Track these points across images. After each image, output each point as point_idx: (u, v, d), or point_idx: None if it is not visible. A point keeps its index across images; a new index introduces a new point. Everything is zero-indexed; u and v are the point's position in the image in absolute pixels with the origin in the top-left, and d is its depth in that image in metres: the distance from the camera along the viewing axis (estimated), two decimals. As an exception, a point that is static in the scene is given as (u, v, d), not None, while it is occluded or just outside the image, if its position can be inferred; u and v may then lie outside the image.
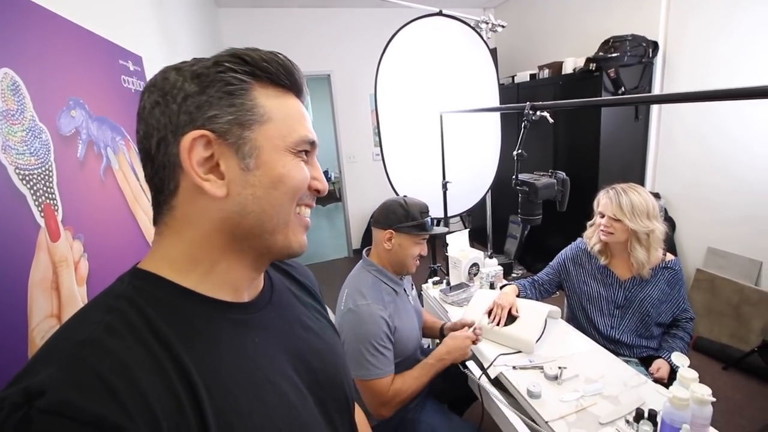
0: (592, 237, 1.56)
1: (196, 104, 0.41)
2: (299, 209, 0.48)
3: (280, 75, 0.45)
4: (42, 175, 0.70)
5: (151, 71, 1.42)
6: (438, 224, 2.89)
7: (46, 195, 0.70)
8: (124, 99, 1.12)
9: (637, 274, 1.46)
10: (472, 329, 1.34)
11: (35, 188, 0.67)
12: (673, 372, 1.35)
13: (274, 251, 0.47)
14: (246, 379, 0.43)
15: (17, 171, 0.64)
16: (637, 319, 1.47)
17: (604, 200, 1.47)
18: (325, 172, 7.93)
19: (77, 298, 0.75)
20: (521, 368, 1.28)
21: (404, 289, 1.40)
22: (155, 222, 0.45)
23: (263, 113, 0.43)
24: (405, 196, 1.37)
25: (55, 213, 0.72)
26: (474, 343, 1.32)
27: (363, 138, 4.39)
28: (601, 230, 1.47)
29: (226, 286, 0.46)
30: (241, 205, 0.43)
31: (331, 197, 7.59)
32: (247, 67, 0.43)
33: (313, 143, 0.48)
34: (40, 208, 0.68)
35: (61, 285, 0.70)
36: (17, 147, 0.64)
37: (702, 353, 2.34)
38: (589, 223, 1.60)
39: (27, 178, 0.66)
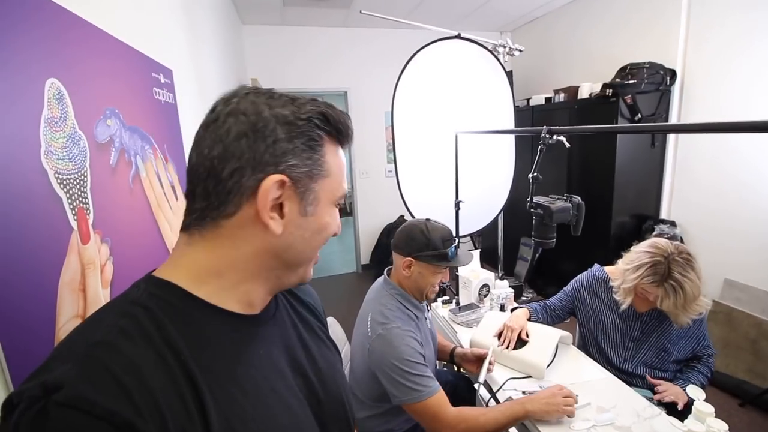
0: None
1: (282, 150, 0.44)
2: None
3: (343, 134, 0.50)
4: (78, 180, 0.73)
5: (179, 84, 1.48)
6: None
7: (80, 199, 0.73)
8: (154, 110, 1.17)
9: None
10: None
11: (71, 192, 0.71)
12: (686, 406, 1.31)
13: (293, 281, 0.52)
14: (251, 388, 0.45)
15: (56, 175, 0.67)
16: (653, 354, 1.42)
17: (657, 291, 1.26)
18: (344, 197, 8.17)
19: (101, 300, 0.77)
20: (530, 394, 1.26)
21: (425, 316, 1.36)
22: (187, 229, 0.46)
23: (327, 168, 0.48)
24: (428, 219, 1.30)
25: (87, 217, 0.75)
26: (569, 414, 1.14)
27: (376, 154, 4.44)
28: (639, 296, 1.34)
29: (242, 302, 0.48)
30: (289, 243, 0.47)
31: (341, 212, 7.63)
32: (328, 127, 0.48)
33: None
34: (74, 212, 0.71)
35: (87, 287, 0.73)
36: (58, 152, 0.68)
37: (718, 388, 2.27)
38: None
39: (64, 182, 0.69)
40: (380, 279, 1.37)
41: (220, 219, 0.45)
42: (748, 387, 2.19)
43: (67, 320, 0.67)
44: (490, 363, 1.30)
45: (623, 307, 1.38)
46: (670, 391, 1.32)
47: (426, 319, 1.37)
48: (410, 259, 1.24)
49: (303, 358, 0.55)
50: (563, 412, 1.12)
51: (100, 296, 0.77)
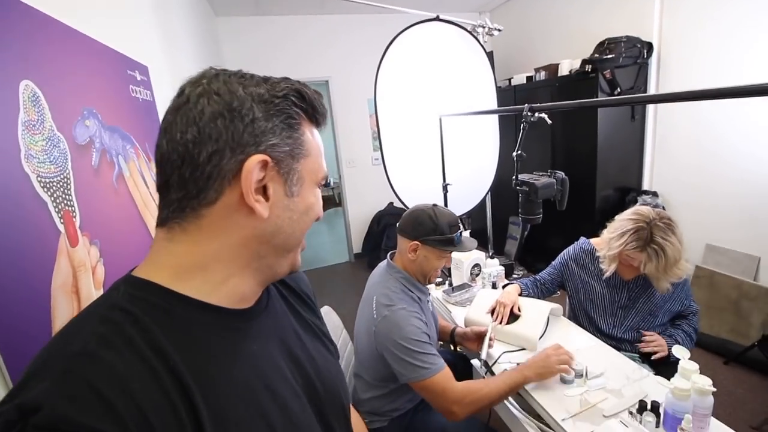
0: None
1: (261, 129, 0.42)
2: None
3: (318, 112, 0.49)
4: (61, 183, 0.72)
5: (156, 81, 1.45)
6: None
7: (65, 202, 0.73)
8: (133, 108, 1.15)
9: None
10: (486, 335, 1.33)
11: (55, 195, 0.70)
12: (663, 359, 1.38)
13: (284, 269, 0.50)
14: (244, 387, 0.43)
15: (39, 179, 0.66)
16: (640, 318, 1.48)
17: (640, 256, 1.31)
18: (325, 178, 8.08)
19: (95, 301, 0.77)
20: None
21: (427, 299, 1.39)
22: (164, 223, 0.43)
23: (307, 148, 0.47)
24: (435, 205, 1.32)
25: (74, 219, 0.75)
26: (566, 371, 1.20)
27: (362, 143, 4.42)
28: (624, 263, 1.39)
29: (231, 297, 0.45)
30: (277, 227, 0.46)
31: (330, 202, 7.62)
32: (304, 104, 0.46)
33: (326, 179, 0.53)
34: (60, 215, 0.70)
35: (80, 289, 0.73)
36: (38, 156, 0.67)
37: (703, 348, 2.37)
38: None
39: (48, 185, 0.68)
40: (383, 263, 1.39)
41: (201, 208, 0.42)
42: (731, 346, 2.29)
43: (63, 322, 0.67)
44: (490, 339, 1.34)
45: (607, 274, 1.43)
46: (656, 341, 1.39)
47: (428, 301, 1.40)
48: (417, 242, 1.25)
49: (298, 349, 0.54)
50: (558, 371, 1.18)
51: (94, 297, 0.77)
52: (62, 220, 0.71)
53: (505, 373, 1.19)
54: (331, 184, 7.77)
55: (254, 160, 0.41)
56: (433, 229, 1.24)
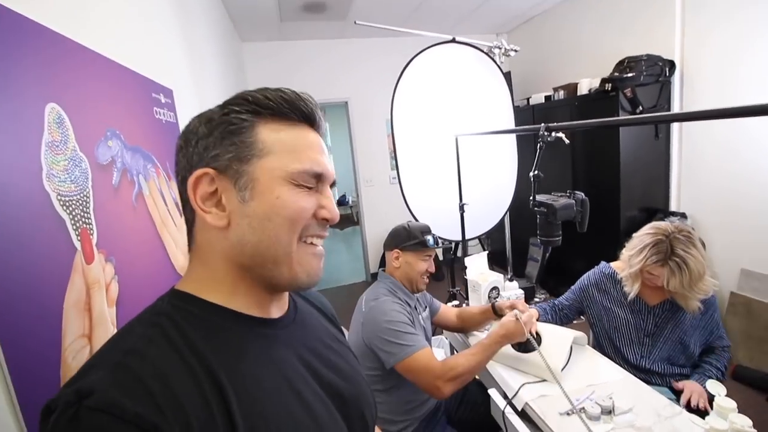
0: (624, 274, 1.42)
1: (204, 145, 0.46)
2: (311, 239, 0.50)
3: (282, 108, 0.48)
4: (80, 201, 0.74)
5: (180, 103, 1.50)
6: (455, 246, 2.88)
7: (84, 220, 0.74)
8: (155, 129, 1.19)
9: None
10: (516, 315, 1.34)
11: (74, 213, 0.71)
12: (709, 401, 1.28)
13: (281, 282, 0.49)
14: (271, 387, 0.46)
15: (59, 197, 0.68)
16: (669, 347, 1.40)
17: (662, 272, 1.28)
18: (343, 196, 8.08)
19: (107, 319, 0.77)
20: (540, 396, 1.23)
21: (415, 306, 1.48)
22: (189, 249, 0.51)
23: (262, 147, 0.46)
24: (409, 221, 1.57)
25: (91, 237, 0.76)
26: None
27: (380, 162, 4.45)
28: (651, 282, 1.34)
29: (252, 304, 0.50)
30: (240, 235, 0.46)
31: (348, 221, 7.66)
32: (249, 106, 0.47)
33: (320, 175, 0.49)
34: (77, 232, 0.72)
35: (93, 306, 0.73)
36: (60, 175, 0.69)
37: (742, 382, 2.21)
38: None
39: (67, 203, 0.70)
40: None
41: (192, 231, 0.49)
42: (773, 380, 2.13)
43: (73, 340, 0.67)
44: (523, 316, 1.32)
45: (631, 295, 1.38)
46: (696, 393, 1.29)
47: (419, 314, 1.48)
48: (397, 250, 1.47)
49: (325, 359, 0.56)
50: (524, 329, 1.28)
51: (106, 315, 0.77)
52: (79, 238, 0.72)
53: (478, 344, 1.29)
54: (349, 202, 7.83)
55: (193, 177, 0.46)
56: (407, 236, 1.46)
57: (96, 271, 0.76)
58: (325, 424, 0.49)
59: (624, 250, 1.43)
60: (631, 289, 1.38)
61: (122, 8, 1.13)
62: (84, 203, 0.75)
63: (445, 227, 2.34)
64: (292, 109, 0.48)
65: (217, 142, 0.46)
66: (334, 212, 0.51)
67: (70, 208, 0.71)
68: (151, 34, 1.38)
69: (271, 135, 0.47)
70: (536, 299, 3.45)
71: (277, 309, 0.54)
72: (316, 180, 0.50)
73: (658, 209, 2.92)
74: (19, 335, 0.56)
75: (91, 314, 0.72)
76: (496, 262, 2.50)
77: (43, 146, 0.66)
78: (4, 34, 0.60)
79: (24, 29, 0.65)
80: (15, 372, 0.54)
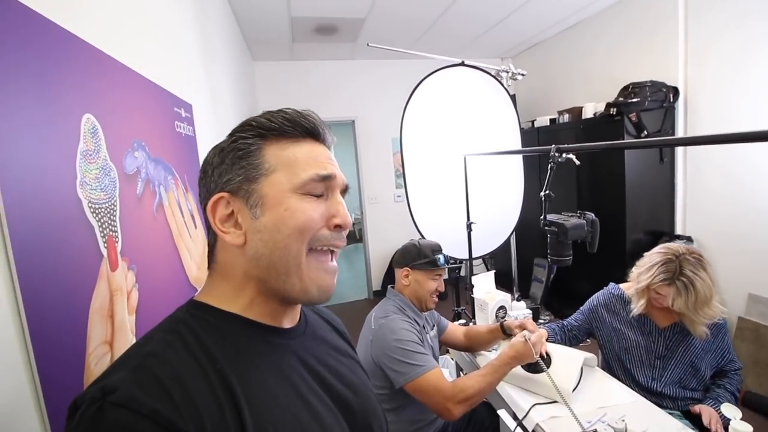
0: (631, 291, 1.43)
1: (219, 173, 0.50)
2: (325, 248, 0.51)
3: (285, 127, 0.51)
4: (108, 209, 0.76)
5: (198, 117, 1.54)
6: (459, 263, 2.87)
7: (110, 227, 0.76)
8: (176, 142, 1.22)
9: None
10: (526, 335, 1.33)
11: (102, 221, 0.73)
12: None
13: (293, 294, 0.50)
14: (281, 394, 0.48)
15: (89, 205, 0.70)
16: (681, 370, 1.38)
17: (669, 291, 1.29)
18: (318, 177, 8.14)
19: (127, 326, 0.78)
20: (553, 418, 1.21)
21: (423, 326, 1.47)
22: (208, 267, 0.55)
23: (269, 166, 0.49)
24: (420, 238, 1.55)
25: (116, 244, 0.77)
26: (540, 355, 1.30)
27: (384, 180, 4.49)
28: (658, 303, 1.35)
29: (266, 315, 0.52)
30: (255, 250, 0.49)
31: (351, 238, 7.66)
32: (255, 131, 0.50)
33: (327, 177, 0.51)
34: (104, 240, 0.73)
35: (115, 313, 0.74)
36: (91, 183, 0.71)
37: (752, 409, 2.16)
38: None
39: (96, 211, 0.72)
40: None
41: (215, 252, 0.53)
42: (784, 408, 2.09)
43: (97, 346, 0.67)
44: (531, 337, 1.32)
45: (636, 311, 1.40)
46: (713, 418, 1.27)
47: (427, 333, 1.48)
48: (407, 269, 1.45)
49: (334, 370, 0.57)
50: (535, 350, 1.27)
51: (126, 323, 0.78)
52: (106, 245, 0.74)
53: (488, 365, 1.28)
54: (353, 219, 7.85)
55: (211, 201, 0.50)
56: (417, 255, 1.45)
57: (119, 278, 0.77)
58: (333, 431, 0.50)
59: (634, 268, 1.45)
60: (636, 306, 1.39)
61: (148, 24, 1.17)
62: (111, 211, 0.77)
63: (450, 245, 2.34)
64: (295, 126, 0.51)
65: (229, 168, 0.50)
66: (346, 218, 0.52)
67: (99, 216, 0.73)
68: (174, 50, 1.43)
69: (276, 153, 0.50)
70: (541, 320, 3.42)
71: (289, 320, 0.56)
72: (325, 186, 0.51)
73: (664, 232, 2.92)
74: (48, 338, 0.57)
75: (114, 321, 0.73)
76: (500, 282, 2.50)
77: (78, 155, 0.68)
78: (49, 45, 0.64)
79: (59, 37, 0.69)
80: (44, 374, 0.55)
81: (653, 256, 1.37)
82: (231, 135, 0.51)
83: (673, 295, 1.28)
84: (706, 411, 1.30)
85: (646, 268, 1.36)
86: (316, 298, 0.51)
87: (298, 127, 0.51)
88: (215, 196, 0.49)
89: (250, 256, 0.49)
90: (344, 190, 0.55)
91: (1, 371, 0.50)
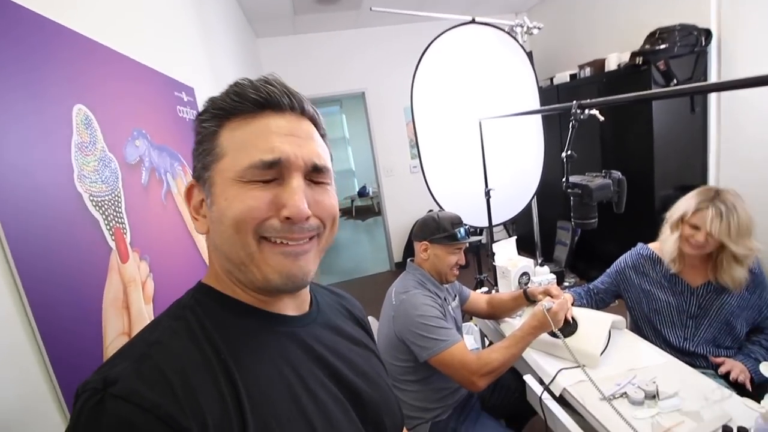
0: (666, 245, 1.36)
1: (193, 159, 0.49)
2: (278, 241, 0.45)
3: (234, 104, 0.44)
4: (112, 201, 0.75)
5: (201, 101, 1.51)
6: (479, 233, 2.82)
7: (116, 219, 0.75)
8: (180, 127, 1.20)
9: (716, 282, 1.30)
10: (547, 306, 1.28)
11: (107, 213, 0.72)
12: (752, 383, 1.21)
13: (257, 284, 0.46)
14: (285, 386, 0.46)
15: (91, 198, 0.69)
16: (715, 329, 1.33)
17: (706, 214, 1.22)
18: (363, 187, 8.07)
19: (145, 315, 0.79)
20: (580, 381, 1.19)
21: (445, 297, 1.45)
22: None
23: (220, 151, 0.45)
24: (440, 210, 1.49)
25: (124, 236, 0.77)
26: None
27: (399, 151, 4.41)
28: (691, 243, 1.28)
29: (262, 302, 0.49)
30: (214, 239, 0.47)
31: (370, 211, 7.67)
32: (213, 112, 0.46)
33: (272, 164, 0.43)
34: (111, 232, 0.73)
35: (130, 304, 0.75)
36: (90, 176, 0.70)
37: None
38: (665, 231, 1.39)
39: (99, 204, 0.71)
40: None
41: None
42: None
43: (114, 338, 0.68)
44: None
45: (669, 243, 1.34)
46: (734, 370, 1.23)
47: (449, 304, 1.46)
48: (426, 242, 1.41)
49: (347, 360, 0.55)
50: (559, 317, 1.24)
51: (143, 312, 0.79)
52: (113, 237, 0.73)
53: (511, 336, 1.26)
54: (370, 193, 7.82)
55: (185, 189, 0.49)
56: (436, 228, 1.40)
57: (131, 269, 0.77)
58: (339, 425, 0.48)
59: (666, 214, 1.40)
60: (670, 237, 1.33)
61: (143, 10, 1.13)
62: (116, 203, 0.76)
63: (469, 214, 2.29)
64: (244, 101, 0.44)
65: (195, 154, 0.48)
66: (295, 208, 0.43)
67: (103, 208, 0.72)
68: (172, 33, 1.38)
69: (229, 135, 0.45)
70: (566, 284, 3.37)
71: (293, 308, 0.53)
72: (275, 171, 0.44)
73: (696, 186, 2.76)
74: (62, 334, 0.57)
75: (130, 312, 0.74)
76: (522, 247, 2.44)
77: (72, 147, 0.66)
78: (30, 37, 0.61)
79: (49, 32, 0.66)
80: (59, 370, 0.56)
81: (689, 194, 1.33)
82: (195, 118, 0.49)
83: (711, 217, 1.20)
84: (728, 361, 1.26)
85: (682, 202, 1.32)
86: (281, 285, 0.45)
87: (248, 100, 0.44)
88: (188, 184, 0.49)
89: (214, 246, 0.48)
90: (314, 171, 0.46)
91: (14, 377, 0.50)
